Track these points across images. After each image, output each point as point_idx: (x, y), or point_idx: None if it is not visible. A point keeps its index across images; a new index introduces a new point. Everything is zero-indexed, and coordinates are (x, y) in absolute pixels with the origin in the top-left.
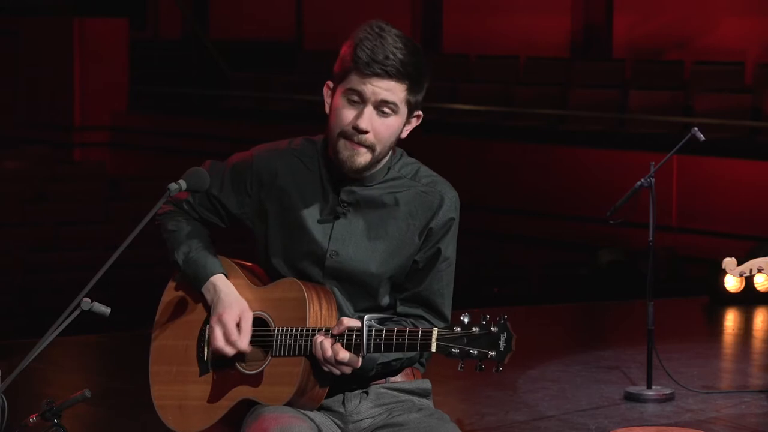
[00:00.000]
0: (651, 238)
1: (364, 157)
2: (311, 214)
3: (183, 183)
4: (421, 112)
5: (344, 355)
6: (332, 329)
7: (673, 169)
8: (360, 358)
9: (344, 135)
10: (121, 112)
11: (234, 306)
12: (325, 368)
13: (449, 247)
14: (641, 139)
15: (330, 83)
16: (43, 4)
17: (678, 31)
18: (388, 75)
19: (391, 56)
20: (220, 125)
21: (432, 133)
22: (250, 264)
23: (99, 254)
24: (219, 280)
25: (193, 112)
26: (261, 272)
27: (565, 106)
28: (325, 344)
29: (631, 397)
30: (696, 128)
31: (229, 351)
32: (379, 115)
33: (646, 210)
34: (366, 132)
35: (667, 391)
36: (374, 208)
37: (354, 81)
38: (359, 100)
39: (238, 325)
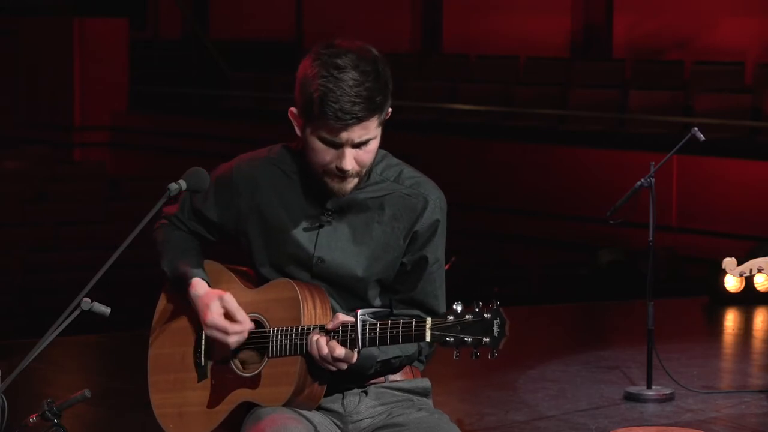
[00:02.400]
0: (651, 238)
1: (352, 183)
2: (295, 222)
3: (183, 183)
4: (390, 109)
5: (340, 351)
6: (327, 325)
7: (673, 169)
8: (355, 353)
9: (328, 173)
10: (121, 112)
11: (210, 302)
12: (323, 366)
13: (438, 250)
14: (641, 139)
15: (294, 110)
16: (43, 4)
17: (678, 31)
18: (359, 120)
19: (357, 101)
20: (220, 125)
21: (432, 133)
22: (243, 268)
23: (99, 254)
24: (194, 286)
25: (193, 112)
26: (253, 275)
27: (565, 106)
28: (320, 342)
29: (631, 397)
30: (696, 128)
31: (239, 339)
32: (360, 148)
33: (646, 210)
34: (348, 170)
35: (667, 391)
36: (358, 212)
37: (325, 131)
38: (335, 145)
39: (226, 314)
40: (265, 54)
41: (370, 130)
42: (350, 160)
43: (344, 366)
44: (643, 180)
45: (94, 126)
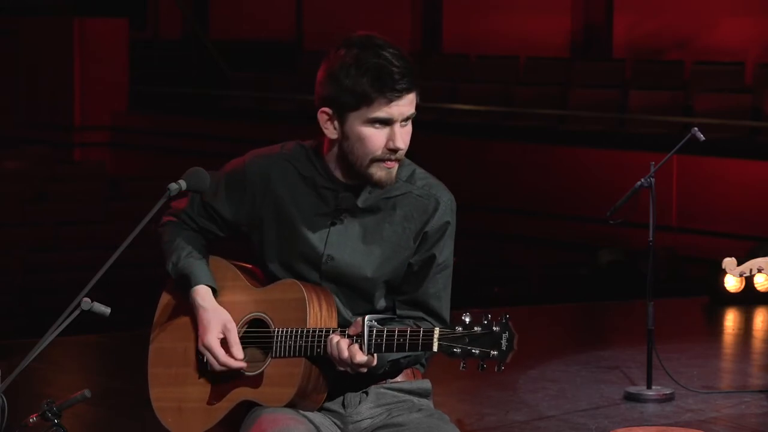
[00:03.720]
0: (651, 238)
1: (395, 168)
2: (306, 220)
3: (183, 183)
4: None
5: (361, 357)
6: (348, 329)
7: (673, 169)
8: (375, 358)
9: (378, 159)
10: (121, 112)
11: (213, 323)
12: (340, 368)
13: (445, 251)
14: (641, 139)
15: (327, 109)
16: (43, 4)
17: (678, 31)
18: (408, 90)
19: (406, 71)
20: (220, 125)
21: (432, 133)
22: (249, 266)
23: (99, 254)
24: (198, 293)
25: (193, 112)
26: (260, 274)
27: (565, 106)
28: (341, 345)
29: (631, 397)
30: (696, 128)
31: (227, 370)
32: (403, 126)
33: (646, 210)
34: (402, 148)
35: (667, 391)
36: (370, 212)
37: (378, 109)
38: (386, 124)
39: (224, 340)
40: (265, 54)
41: (413, 105)
42: (400, 137)
43: (364, 370)
44: (643, 180)
45: (94, 126)
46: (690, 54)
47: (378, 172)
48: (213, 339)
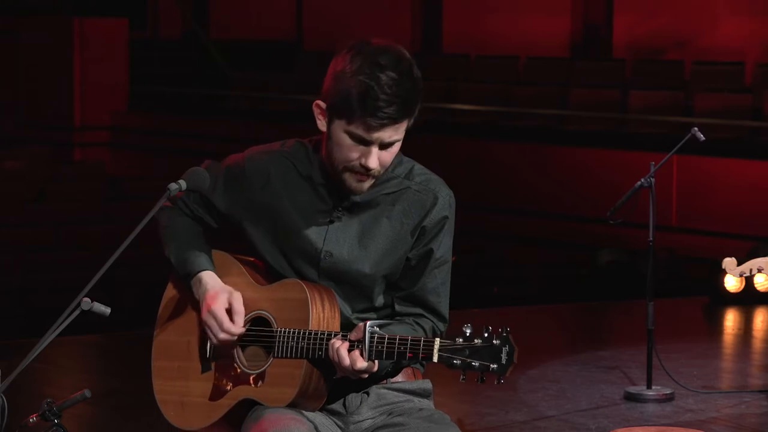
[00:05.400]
0: (651, 238)
1: (369, 183)
2: (305, 217)
3: (183, 183)
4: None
5: (362, 364)
6: (350, 335)
7: (673, 169)
8: (376, 364)
9: (350, 169)
10: (121, 112)
11: (220, 293)
12: (341, 373)
13: (443, 246)
14: (641, 139)
15: (321, 103)
16: (43, 4)
17: (678, 31)
18: (395, 121)
19: (396, 101)
20: (220, 125)
21: (432, 133)
22: (252, 259)
23: (99, 254)
24: (204, 275)
25: (193, 112)
26: (262, 267)
27: (565, 106)
28: (341, 352)
29: (631, 397)
30: (696, 128)
31: (228, 339)
32: (386, 149)
33: (646, 210)
34: (374, 169)
35: (667, 391)
36: (369, 209)
37: (359, 128)
38: (363, 143)
39: (229, 310)
40: (265, 54)
41: (400, 132)
42: (375, 159)
43: (365, 376)
44: (643, 180)
45: (94, 126)
46: (690, 54)
47: (349, 179)
48: (219, 307)
